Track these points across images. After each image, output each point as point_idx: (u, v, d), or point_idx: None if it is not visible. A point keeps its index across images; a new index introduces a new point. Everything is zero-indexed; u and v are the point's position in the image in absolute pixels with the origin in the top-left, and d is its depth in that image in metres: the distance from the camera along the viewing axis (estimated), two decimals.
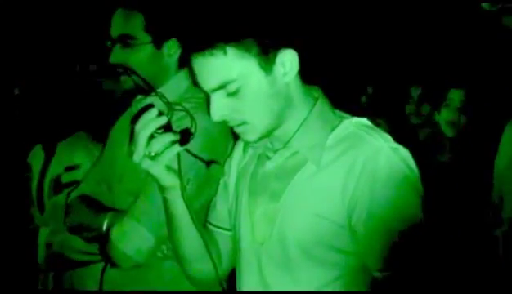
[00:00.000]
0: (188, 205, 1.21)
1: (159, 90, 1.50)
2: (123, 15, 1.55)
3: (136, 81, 1.49)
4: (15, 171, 2.41)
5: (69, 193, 1.75)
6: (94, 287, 1.85)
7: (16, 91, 2.13)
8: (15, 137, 2.60)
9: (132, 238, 1.43)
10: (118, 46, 1.54)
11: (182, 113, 1.22)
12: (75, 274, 2.02)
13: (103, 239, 1.49)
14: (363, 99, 3.77)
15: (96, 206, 1.62)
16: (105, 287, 1.61)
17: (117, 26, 1.55)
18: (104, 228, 1.50)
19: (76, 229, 1.65)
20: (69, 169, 2.07)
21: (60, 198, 2.02)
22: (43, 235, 2.13)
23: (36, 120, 2.14)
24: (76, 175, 2.04)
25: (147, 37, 1.53)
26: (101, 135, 2.17)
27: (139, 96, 1.64)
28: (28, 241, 2.23)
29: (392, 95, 3.70)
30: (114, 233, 1.45)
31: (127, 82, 1.56)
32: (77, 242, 1.96)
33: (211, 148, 1.38)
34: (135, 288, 1.55)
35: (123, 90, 1.60)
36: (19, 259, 2.43)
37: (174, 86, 1.56)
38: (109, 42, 1.57)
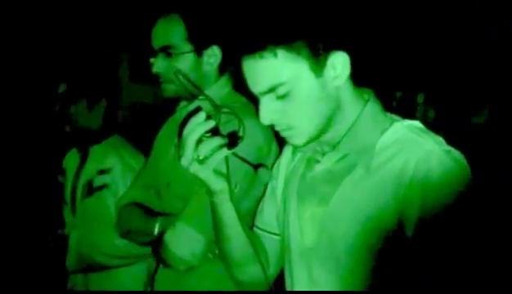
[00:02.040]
0: (236, 208, 1.22)
1: (201, 96, 1.53)
2: (164, 25, 1.58)
3: (187, 86, 1.52)
4: (49, 174, 2.45)
5: (120, 197, 1.80)
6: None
7: (62, 89, 2.14)
8: (52, 138, 2.64)
9: (185, 241, 1.45)
10: (160, 56, 1.58)
11: (228, 118, 1.22)
12: (98, 277, 2.09)
13: (156, 243, 1.52)
14: (394, 104, 3.76)
15: (146, 211, 1.65)
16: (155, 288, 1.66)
17: (159, 37, 1.58)
18: (156, 232, 1.53)
19: (128, 235, 1.69)
20: (101, 173, 2.12)
21: (90, 201, 2.10)
22: (74, 238, 2.16)
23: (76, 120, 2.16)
24: (106, 178, 2.10)
25: (189, 46, 1.56)
26: (137, 141, 2.21)
27: (183, 103, 1.67)
28: (58, 243, 2.26)
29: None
30: (168, 237, 1.47)
31: (168, 89, 1.60)
32: (106, 247, 2.04)
33: (256, 152, 1.40)
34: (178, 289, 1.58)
35: (164, 97, 1.64)
36: (49, 261, 2.45)
37: (215, 93, 1.58)
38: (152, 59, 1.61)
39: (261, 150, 1.45)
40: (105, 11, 3.74)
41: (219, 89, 1.62)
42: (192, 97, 1.57)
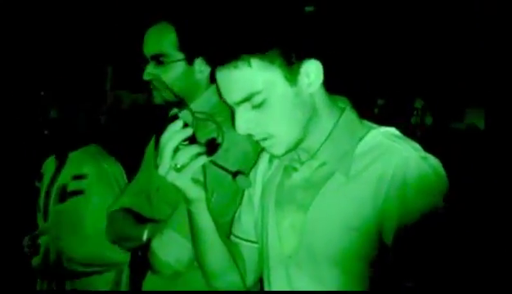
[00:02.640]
0: (213, 217, 1.21)
1: (191, 105, 1.54)
2: (156, 34, 1.58)
3: (166, 96, 1.53)
4: (26, 178, 2.43)
5: (112, 203, 1.79)
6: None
7: (44, 93, 2.15)
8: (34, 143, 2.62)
9: (172, 248, 1.45)
10: (151, 64, 1.57)
11: (212, 128, 1.20)
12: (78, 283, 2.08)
13: (144, 249, 1.53)
14: (376, 110, 3.78)
15: (136, 217, 1.66)
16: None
17: (150, 45, 1.58)
18: (144, 238, 1.54)
19: (117, 240, 1.69)
20: (76, 178, 2.11)
21: (63, 206, 2.10)
22: (44, 243, 2.15)
23: (57, 125, 2.16)
24: (82, 184, 2.10)
25: (180, 55, 1.56)
26: (114, 149, 2.21)
27: (174, 110, 1.66)
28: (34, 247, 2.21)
29: (401, 106, 3.71)
30: (155, 243, 1.48)
31: (158, 97, 1.59)
32: (77, 254, 2.05)
33: (244, 162, 1.39)
34: None
35: (154, 104, 1.62)
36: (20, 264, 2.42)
37: (205, 101, 1.58)
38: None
39: (249, 158, 1.43)
40: (93, 17, 3.73)
41: (209, 97, 1.60)
42: (183, 104, 1.58)
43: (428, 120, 3.45)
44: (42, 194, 2.22)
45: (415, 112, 3.51)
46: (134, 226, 1.61)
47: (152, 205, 1.67)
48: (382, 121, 1.20)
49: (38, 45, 3.53)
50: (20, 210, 2.71)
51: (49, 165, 2.27)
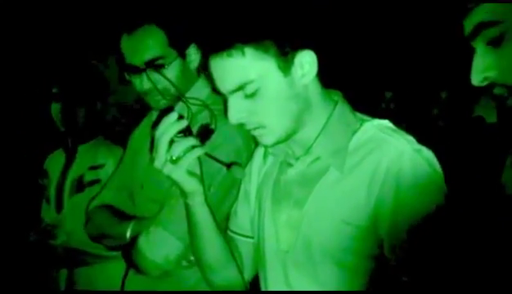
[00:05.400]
0: (212, 211, 1.20)
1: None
2: (145, 38, 1.48)
3: (167, 100, 1.49)
4: (30, 173, 2.45)
5: (92, 198, 1.75)
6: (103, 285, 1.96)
7: (55, 90, 2.15)
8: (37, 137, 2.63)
9: (161, 247, 1.41)
10: (148, 71, 1.47)
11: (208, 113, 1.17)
12: (84, 273, 2.09)
13: (127, 247, 1.48)
14: (383, 105, 3.75)
15: (118, 214, 1.61)
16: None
17: (144, 51, 1.48)
18: (127, 236, 1.49)
19: (97, 238, 1.64)
20: (93, 168, 2.14)
21: (80, 197, 2.10)
22: (62, 235, 2.17)
23: (68, 120, 2.17)
24: (100, 173, 2.11)
25: (174, 52, 1.49)
26: (119, 141, 2.22)
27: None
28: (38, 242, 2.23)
29: (417, 99, 3.66)
30: (142, 242, 1.42)
31: (158, 102, 1.51)
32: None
33: (236, 155, 1.37)
34: None
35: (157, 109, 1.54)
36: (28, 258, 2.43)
37: (197, 92, 1.53)
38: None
39: (240, 153, 1.42)
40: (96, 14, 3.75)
41: (200, 88, 1.55)
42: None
43: (450, 111, 3.39)
44: (52, 188, 2.22)
45: (437, 103, 3.45)
46: (116, 224, 1.56)
47: (135, 202, 1.63)
48: (392, 115, 1.19)
49: (38, 41, 3.55)
50: (19, 207, 2.73)
51: (54, 161, 2.28)
